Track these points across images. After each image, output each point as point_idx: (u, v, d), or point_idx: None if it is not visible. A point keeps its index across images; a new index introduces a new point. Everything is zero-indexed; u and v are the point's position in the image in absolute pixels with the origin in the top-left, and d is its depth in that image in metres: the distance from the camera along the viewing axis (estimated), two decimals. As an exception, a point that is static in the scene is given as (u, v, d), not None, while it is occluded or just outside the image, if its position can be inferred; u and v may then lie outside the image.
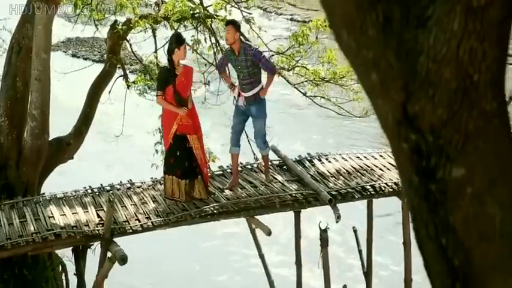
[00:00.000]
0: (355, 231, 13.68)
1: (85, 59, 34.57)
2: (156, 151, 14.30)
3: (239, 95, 11.57)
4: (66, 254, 12.68)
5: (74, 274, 11.85)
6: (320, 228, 11.68)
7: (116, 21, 14.72)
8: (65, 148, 14.23)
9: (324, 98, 15.90)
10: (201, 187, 11.37)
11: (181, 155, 11.23)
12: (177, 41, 11.19)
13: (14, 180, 13.06)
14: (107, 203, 10.66)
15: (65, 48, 37.17)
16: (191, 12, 14.61)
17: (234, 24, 11.46)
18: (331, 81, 15.69)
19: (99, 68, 16.12)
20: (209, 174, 11.99)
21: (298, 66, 15.70)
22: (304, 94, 16.01)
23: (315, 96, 15.99)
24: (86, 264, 11.75)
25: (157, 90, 11.44)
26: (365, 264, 13.30)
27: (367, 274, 13.24)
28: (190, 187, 11.29)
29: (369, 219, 12.78)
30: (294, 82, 15.95)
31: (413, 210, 2.41)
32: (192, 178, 11.33)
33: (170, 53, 11.19)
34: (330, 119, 24.19)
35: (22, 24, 13.44)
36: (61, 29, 36.43)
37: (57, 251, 13.13)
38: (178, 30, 14.17)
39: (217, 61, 13.53)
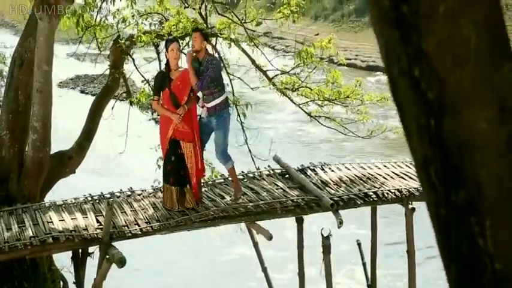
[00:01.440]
0: (359, 244, 13.51)
1: (93, 95, 34.66)
2: (159, 166, 14.17)
3: (203, 106, 11.29)
4: (66, 266, 12.55)
5: (74, 283, 11.70)
6: (322, 235, 11.52)
7: (118, 35, 14.72)
8: (66, 162, 14.15)
9: (328, 118, 15.83)
10: (190, 196, 11.22)
11: (175, 161, 11.13)
12: (166, 43, 11.23)
13: (16, 193, 12.93)
14: (106, 207, 10.55)
15: (74, 85, 37.52)
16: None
17: (201, 32, 11.23)
18: (336, 101, 15.65)
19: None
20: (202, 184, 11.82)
21: (302, 87, 15.68)
22: (309, 114, 15.93)
23: (319, 116, 15.92)
24: (85, 272, 11.58)
25: (153, 95, 11.44)
26: (369, 277, 13.11)
27: (371, 287, 13.04)
28: (181, 195, 11.15)
29: (373, 228, 12.61)
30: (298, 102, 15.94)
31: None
32: (181, 186, 11.19)
33: (166, 57, 11.23)
34: (343, 157, 24.12)
35: (24, 38, 13.44)
36: (70, 67, 36.98)
37: (57, 263, 13.04)
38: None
39: None
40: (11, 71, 13.51)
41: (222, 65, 15.09)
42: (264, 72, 15.94)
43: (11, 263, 12.03)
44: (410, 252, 12.06)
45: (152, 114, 29.14)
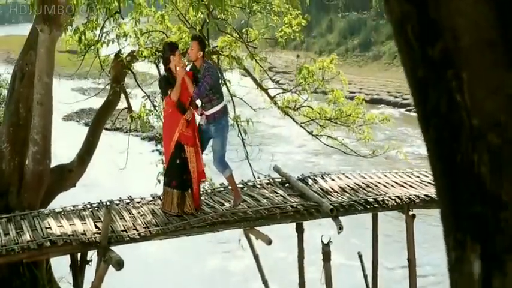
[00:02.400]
0: (360, 256, 13.37)
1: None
2: (159, 181, 14.11)
3: (201, 113, 11.28)
4: (64, 277, 12.45)
5: (72, 290, 11.61)
6: (322, 242, 11.43)
7: (119, 50, 14.77)
8: (67, 175, 14.12)
9: (330, 137, 15.80)
10: (190, 201, 11.15)
11: (179, 165, 11.08)
12: (170, 49, 11.19)
13: (15, 206, 12.86)
14: (104, 211, 10.48)
15: (78, 118, 37.71)
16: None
17: (198, 41, 11.17)
18: (338, 121, 15.63)
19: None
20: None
21: (303, 106, 15.69)
22: (310, 133, 15.92)
23: (321, 135, 15.90)
24: (83, 280, 11.47)
25: (163, 95, 11.46)
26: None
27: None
28: (181, 199, 11.08)
29: (374, 236, 12.49)
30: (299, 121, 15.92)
31: None
32: (183, 190, 11.13)
33: (166, 62, 11.16)
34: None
35: (25, 52, 13.48)
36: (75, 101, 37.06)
37: (55, 275, 12.94)
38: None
39: None
40: (12, 83, 13.53)
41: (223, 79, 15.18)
42: (266, 91, 15.97)
43: (10, 275, 11.97)
44: (411, 260, 11.92)
45: (156, 145, 29.23)
